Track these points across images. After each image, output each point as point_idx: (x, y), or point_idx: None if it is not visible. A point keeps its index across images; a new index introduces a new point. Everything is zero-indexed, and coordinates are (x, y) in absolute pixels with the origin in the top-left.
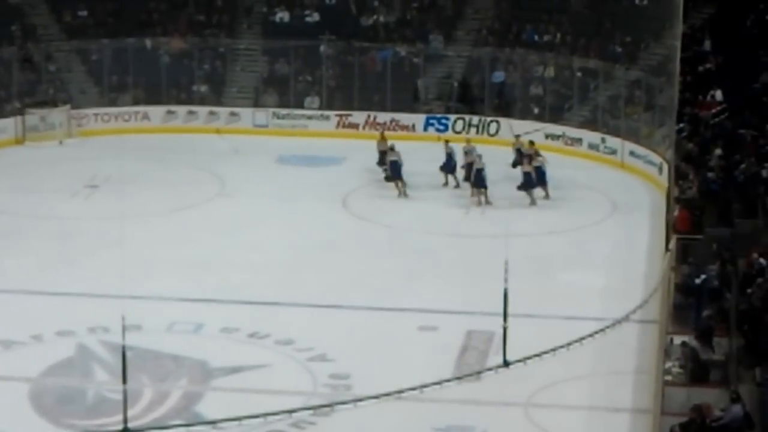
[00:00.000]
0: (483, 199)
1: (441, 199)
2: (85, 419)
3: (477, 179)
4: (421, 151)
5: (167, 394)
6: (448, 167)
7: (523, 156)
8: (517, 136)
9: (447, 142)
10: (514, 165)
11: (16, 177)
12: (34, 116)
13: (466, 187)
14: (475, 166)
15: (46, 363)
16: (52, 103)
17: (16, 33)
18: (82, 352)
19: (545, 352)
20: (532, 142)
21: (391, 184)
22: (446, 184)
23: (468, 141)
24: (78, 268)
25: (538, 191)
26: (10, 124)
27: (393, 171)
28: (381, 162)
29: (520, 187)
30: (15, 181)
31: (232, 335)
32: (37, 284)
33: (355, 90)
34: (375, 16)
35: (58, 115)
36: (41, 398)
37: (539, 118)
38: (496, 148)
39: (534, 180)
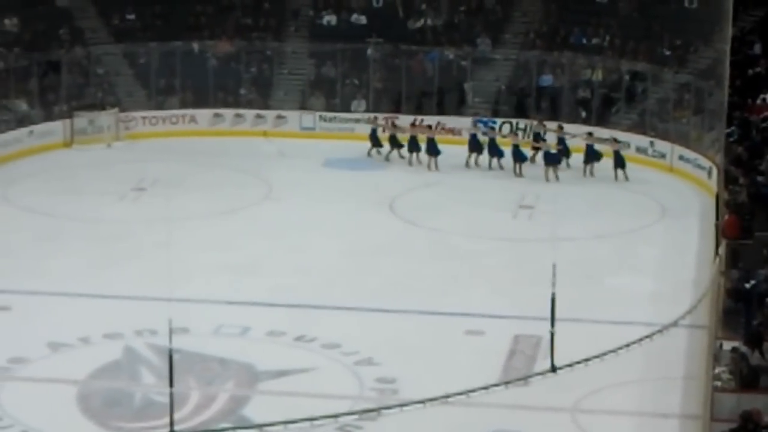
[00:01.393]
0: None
1: (488, 203)
2: (132, 422)
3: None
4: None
5: (214, 397)
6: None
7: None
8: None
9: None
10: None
11: (64, 179)
12: (82, 119)
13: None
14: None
15: (94, 365)
16: (101, 107)
17: (65, 36)
18: (129, 355)
19: (593, 358)
20: (561, 127)
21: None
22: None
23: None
24: (125, 271)
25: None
26: (58, 127)
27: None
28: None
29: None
30: (63, 184)
31: (278, 339)
32: (85, 287)
33: (402, 93)
34: (422, 19)
35: (106, 118)
36: (88, 401)
37: (587, 121)
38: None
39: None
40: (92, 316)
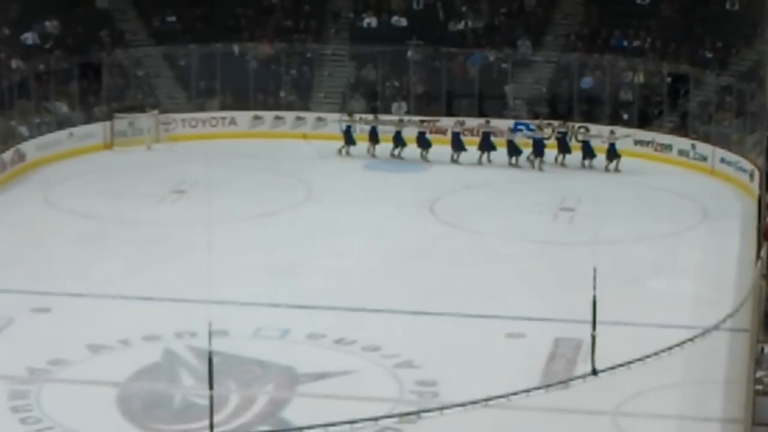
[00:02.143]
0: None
1: (529, 206)
2: (172, 424)
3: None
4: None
5: (253, 400)
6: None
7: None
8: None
9: None
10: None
11: (104, 181)
12: (122, 121)
13: None
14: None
15: (134, 368)
16: (141, 109)
17: (105, 39)
18: (169, 357)
19: (634, 361)
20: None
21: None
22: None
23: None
24: (165, 273)
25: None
26: (98, 129)
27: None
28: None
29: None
30: (103, 186)
31: (318, 341)
32: (125, 289)
33: (442, 95)
34: (463, 22)
35: (146, 120)
36: (128, 403)
37: (628, 124)
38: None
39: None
40: (132, 318)
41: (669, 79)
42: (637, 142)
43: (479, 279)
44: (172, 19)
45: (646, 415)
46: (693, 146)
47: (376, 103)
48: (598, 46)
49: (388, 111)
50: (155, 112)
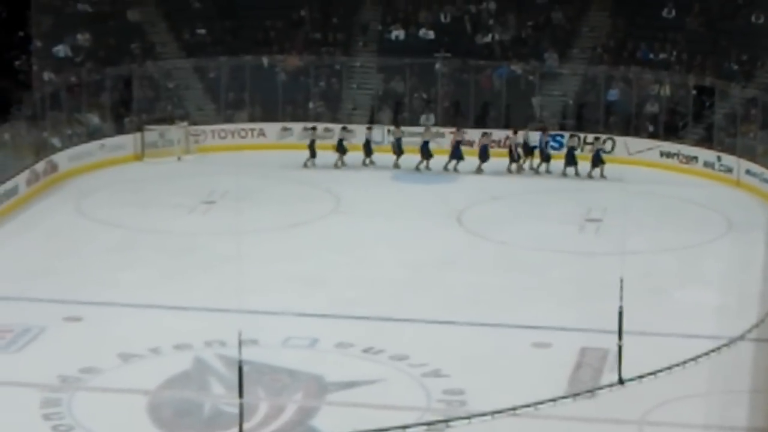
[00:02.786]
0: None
1: (555, 217)
2: None
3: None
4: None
5: (283, 408)
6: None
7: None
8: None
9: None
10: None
11: (135, 192)
12: (153, 133)
13: None
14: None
15: (164, 376)
16: (171, 120)
17: (136, 51)
18: (199, 366)
19: (660, 370)
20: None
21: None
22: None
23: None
24: (195, 283)
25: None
26: (129, 140)
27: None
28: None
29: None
30: (134, 196)
31: (346, 350)
32: (155, 298)
33: (470, 107)
34: (490, 35)
35: (176, 131)
36: (159, 411)
37: (654, 136)
38: (610, 165)
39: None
40: (163, 327)
41: (694, 92)
42: (663, 154)
43: (506, 289)
44: (202, 31)
45: (672, 424)
46: (719, 158)
47: (403, 114)
48: (624, 58)
49: (415, 123)
50: (185, 123)
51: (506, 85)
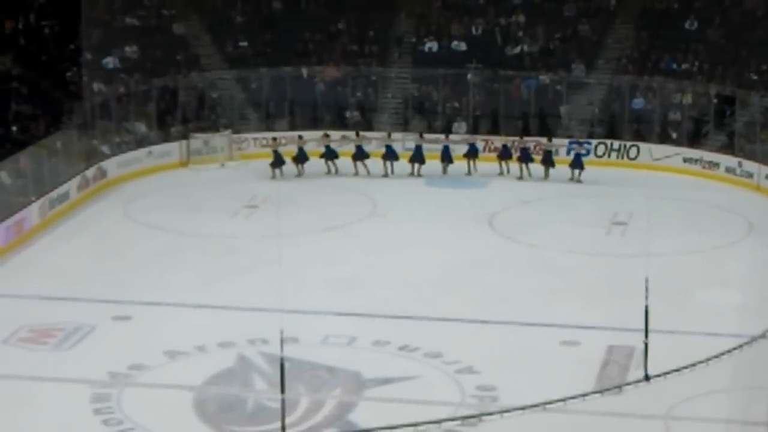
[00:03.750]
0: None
1: (583, 220)
2: (245, 426)
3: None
4: (565, 174)
5: (322, 404)
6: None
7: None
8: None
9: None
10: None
11: (181, 197)
12: (197, 140)
13: None
14: None
15: (209, 372)
16: (215, 128)
17: (181, 62)
18: (242, 363)
19: (685, 367)
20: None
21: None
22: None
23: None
24: (238, 284)
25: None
26: (175, 147)
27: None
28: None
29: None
30: (179, 202)
31: (383, 348)
32: (200, 298)
33: (500, 116)
34: (520, 46)
35: (220, 139)
36: (204, 406)
37: (678, 142)
38: (636, 171)
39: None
40: (207, 326)
41: (716, 100)
42: (686, 160)
43: (536, 289)
44: (245, 44)
45: (696, 419)
46: (740, 164)
47: (437, 123)
48: (648, 68)
49: (448, 130)
50: (228, 131)
51: (535, 95)
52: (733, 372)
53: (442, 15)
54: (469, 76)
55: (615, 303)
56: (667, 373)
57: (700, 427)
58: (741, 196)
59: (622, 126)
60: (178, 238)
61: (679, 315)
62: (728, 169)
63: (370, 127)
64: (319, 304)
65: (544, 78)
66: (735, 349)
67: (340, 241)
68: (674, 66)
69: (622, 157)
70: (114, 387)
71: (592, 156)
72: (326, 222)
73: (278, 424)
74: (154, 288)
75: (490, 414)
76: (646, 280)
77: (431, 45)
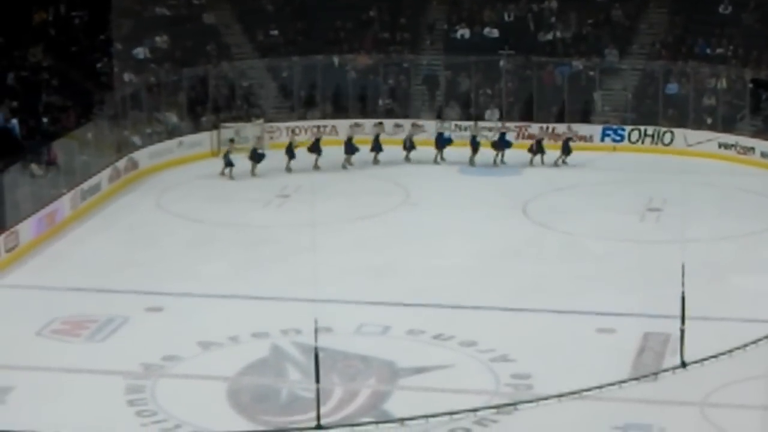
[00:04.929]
0: None
1: (617, 207)
2: (280, 416)
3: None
4: (599, 160)
5: (357, 393)
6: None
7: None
8: None
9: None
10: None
11: (212, 187)
12: (229, 130)
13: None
14: None
15: (243, 363)
16: (246, 118)
17: (212, 52)
18: (276, 353)
19: (721, 354)
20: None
21: None
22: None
23: None
24: (271, 273)
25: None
26: (206, 137)
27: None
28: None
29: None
30: (211, 191)
31: (417, 337)
32: (233, 288)
33: (533, 102)
34: (552, 32)
35: (251, 129)
36: (238, 396)
37: (712, 128)
38: (670, 156)
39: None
40: (240, 316)
41: (751, 85)
42: (721, 145)
43: (570, 277)
44: (275, 32)
45: (733, 405)
46: None
47: (470, 110)
48: (682, 53)
49: (481, 118)
50: (260, 121)
51: (568, 81)
52: None
53: (474, 1)
54: (501, 63)
55: (650, 290)
56: (704, 359)
57: (738, 414)
58: None
59: (657, 112)
60: (211, 228)
61: (715, 301)
62: (764, 154)
63: (403, 115)
64: (353, 293)
65: (577, 64)
66: None
67: (374, 230)
68: (708, 50)
69: (657, 143)
70: (148, 378)
71: (626, 142)
72: (359, 210)
73: (313, 414)
74: (187, 279)
75: (525, 402)
76: (683, 266)
77: (463, 32)
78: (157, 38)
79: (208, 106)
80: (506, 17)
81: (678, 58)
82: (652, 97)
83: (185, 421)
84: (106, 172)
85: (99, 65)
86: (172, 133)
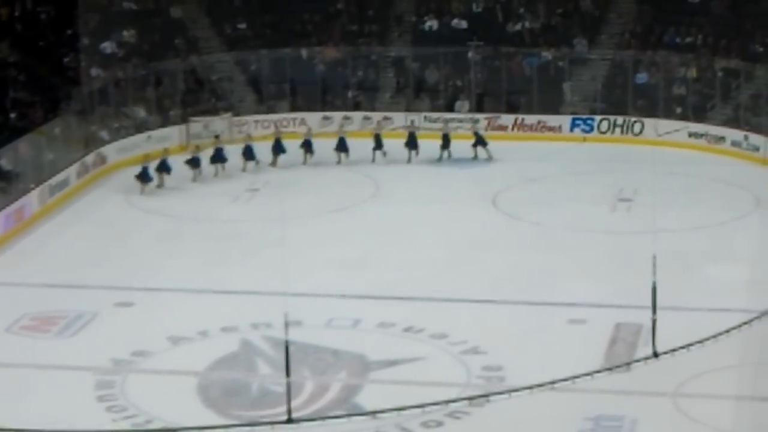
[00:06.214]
0: None
1: (587, 198)
2: (251, 410)
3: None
4: (568, 151)
5: (328, 387)
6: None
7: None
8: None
9: None
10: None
11: (181, 182)
12: (197, 124)
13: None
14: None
15: (212, 357)
16: (215, 111)
17: (179, 46)
18: (246, 347)
19: (693, 344)
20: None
21: None
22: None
23: None
24: (241, 268)
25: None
26: (174, 132)
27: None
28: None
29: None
30: (179, 186)
31: (388, 330)
32: (203, 283)
33: (503, 93)
34: (521, 23)
35: (220, 122)
36: (208, 391)
37: (683, 117)
38: (640, 146)
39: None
40: (210, 311)
41: (721, 74)
42: (691, 134)
43: (542, 268)
44: (243, 25)
45: (705, 395)
46: (745, 137)
47: (439, 102)
48: (651, 43)
49: (450, 110)
50: (228, 114)
51: (537, 72)
52: (742, 347)
53: None
54: (470, 54)
55: (621, 280)
56: (676, 349)
57: (710, 404)
58: (747, 170)
59: (626, 101)
60: (180, 223)
61: (687, 291)
62: (734, 143)
63: (372, 108)
64: (323, 286)
65: (546, 54)
66: (743, 324)
67: (344, 223)
68: (678, 40)
69: (626, 133)
70: (117, 374)
71: (595, 132)
72: (329, 204)
73: (284, 408)
74: (156, 273)
75: (497, 394)
76: (654, 257)
77: (431, 23)
78: (125, 33)
79: (176, 100)
80: (474, 8)
81: (647, 47)
82: (622, 87)
83: (156, 416)
84: (75, 168)
85: (66, 60)
86: (140, 127)
